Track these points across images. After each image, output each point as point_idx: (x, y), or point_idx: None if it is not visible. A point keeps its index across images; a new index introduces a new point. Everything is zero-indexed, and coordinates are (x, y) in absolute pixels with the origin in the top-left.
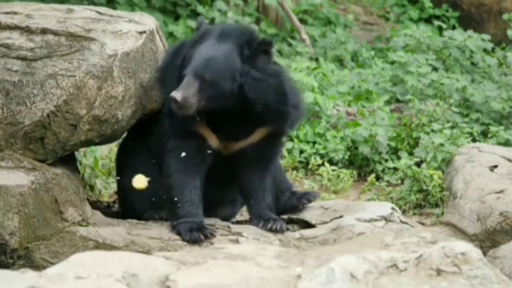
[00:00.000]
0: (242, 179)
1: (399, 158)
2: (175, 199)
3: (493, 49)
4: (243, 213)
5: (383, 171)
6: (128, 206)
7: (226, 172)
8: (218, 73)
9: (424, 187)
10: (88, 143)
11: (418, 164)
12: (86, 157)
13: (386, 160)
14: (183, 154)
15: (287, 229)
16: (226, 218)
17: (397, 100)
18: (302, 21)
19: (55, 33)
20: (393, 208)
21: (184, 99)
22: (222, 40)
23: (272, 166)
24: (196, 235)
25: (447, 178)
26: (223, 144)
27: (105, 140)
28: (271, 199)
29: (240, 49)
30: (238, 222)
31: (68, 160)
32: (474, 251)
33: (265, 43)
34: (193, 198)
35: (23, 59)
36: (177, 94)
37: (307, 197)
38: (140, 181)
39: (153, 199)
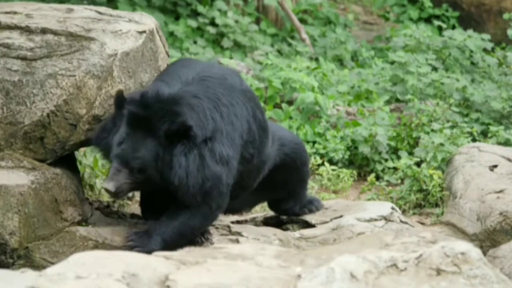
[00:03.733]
0: None
1: (399, 158)
2: None
3: (493, 49)
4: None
5: (383, 170)
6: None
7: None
8: (143, 162)
9: (424, 187)
10: (88, 142)
11: (418, 164)
12: (86, 157)
13: (386, 160)
14: None
15: None
16: None
17: (397, 100)
18: (302, 21)
19: (55, 33)
20: (393, 208)
21: (117, 188)
22: (139, 127)
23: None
24: None
25: (447, 178)
26: None
27: None
28: None
29: (159, 137)
30: (238, 222)
31: (68, 160)
32: (474, 251)
33: (183, 130)
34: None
35: (23, 59)
36: (109, 185)
37: (309, 207)
38: None
39: None
